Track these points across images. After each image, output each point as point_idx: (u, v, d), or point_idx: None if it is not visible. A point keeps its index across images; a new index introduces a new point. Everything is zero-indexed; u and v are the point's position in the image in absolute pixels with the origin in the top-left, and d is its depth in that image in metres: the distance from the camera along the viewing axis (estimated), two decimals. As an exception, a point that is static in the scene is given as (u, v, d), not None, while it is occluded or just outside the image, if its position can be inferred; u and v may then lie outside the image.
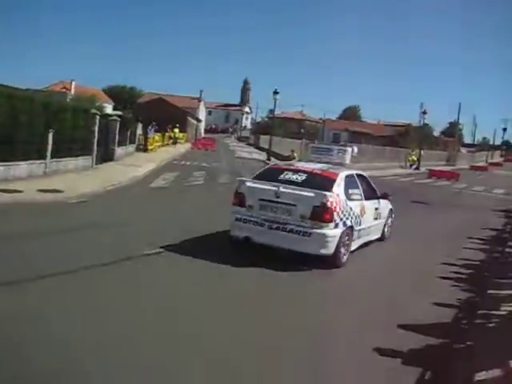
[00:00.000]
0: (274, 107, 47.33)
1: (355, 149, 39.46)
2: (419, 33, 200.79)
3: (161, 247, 9.25)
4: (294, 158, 39.08)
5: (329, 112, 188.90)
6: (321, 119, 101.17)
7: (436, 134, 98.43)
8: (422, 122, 62.93)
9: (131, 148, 32.88)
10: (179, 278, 7.82)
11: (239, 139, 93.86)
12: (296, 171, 10.29)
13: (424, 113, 57.04)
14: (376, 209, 11.55)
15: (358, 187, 10.80)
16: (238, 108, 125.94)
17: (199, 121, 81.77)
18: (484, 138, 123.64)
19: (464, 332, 6.52)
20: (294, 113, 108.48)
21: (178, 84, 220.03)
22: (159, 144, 41.77)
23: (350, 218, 9.74)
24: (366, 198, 10.93)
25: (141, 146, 35.79)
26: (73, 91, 64.55)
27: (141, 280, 7.56)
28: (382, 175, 37.63)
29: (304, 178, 9.98)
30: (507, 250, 12.11)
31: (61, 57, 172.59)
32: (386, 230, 12.55)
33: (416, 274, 9.60)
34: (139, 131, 36.85)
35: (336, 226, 9.25)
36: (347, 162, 37.56)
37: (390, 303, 7.54)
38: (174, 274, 8.06)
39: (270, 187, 9.57)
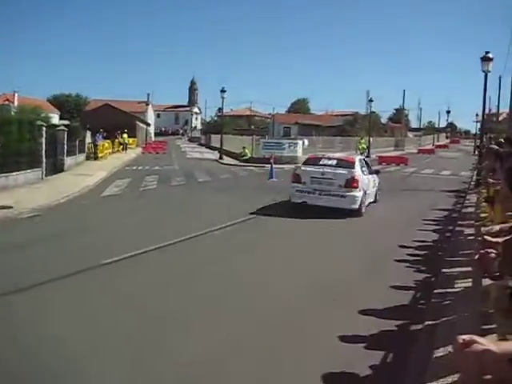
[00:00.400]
0: (222, 105, 47.35)
1: (306, 141, 39.87)
2: (361, 21, 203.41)
3: (118, 256, 9.19)
4: (245, 155, 39.24)
5: (278, 106, 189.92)
6: (270, 114, 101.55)
7: (383, 120, 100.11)
8: (369, 110, 64.00)
9: (81, 157, 32.41)
10: (143, 283, 7.82)
11: (190, 140, 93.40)
12: (328, 158, 16.28)
13: (370, 101, 58.02)
14: (374, 180, 17.03)
15: (364, 166, 16.47)
16: (186, 109, 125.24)
17: (148, 124, 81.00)
18: (430, 122, 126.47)
19: (422, 312, 6.72)
20: (243, 110, 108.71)
21: (125, 89, 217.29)
22: (109, 151, 41.27)
23: (364, 186, 15.32)
24: (369, 173, 16.56)
25: (91, 155, 35.29)
26: (16, 103, 63.06)
27: (102, 289, 7.51)
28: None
29: (335, 162, 15.84)
30: (457, 228, 12.46)
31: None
32: (377, 195, 17.63)
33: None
34: (88, 139, 36.32)
35: (359, 190, 14.93)
36: (299, 154, 37.91)
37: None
38: (143, 278, 8.06)
39: (317, 169, 15.36)
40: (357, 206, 14.73)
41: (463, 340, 1.52)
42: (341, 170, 15.13)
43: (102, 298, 7.11)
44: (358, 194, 14.86)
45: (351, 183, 14.76)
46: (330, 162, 15.75)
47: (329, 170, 15.16)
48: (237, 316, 6.55)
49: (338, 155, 17.99)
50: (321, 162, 15.77)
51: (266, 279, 8.29)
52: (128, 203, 16.81)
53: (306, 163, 16.36)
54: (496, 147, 9.25)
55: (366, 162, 17.45)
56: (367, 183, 15.73)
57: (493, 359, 1.44)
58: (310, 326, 6.26)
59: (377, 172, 17.83)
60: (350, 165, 15.58)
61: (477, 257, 3.37)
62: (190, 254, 9.88)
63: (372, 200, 16.75)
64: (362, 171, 15.67)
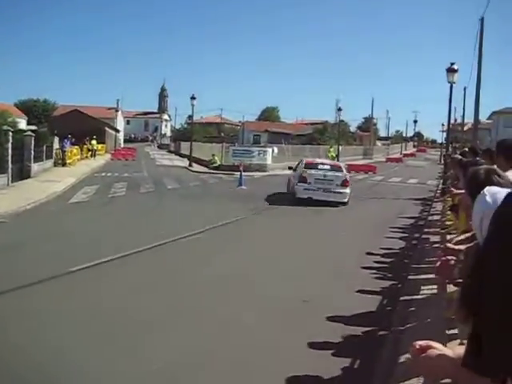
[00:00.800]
0: (193, 113, 47.25)
1: (275, 149, 40.08)
2: (332, 33, 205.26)
3: (85, 264, 9.12)
4: (215, 162, 39.23)
5: (248, 114, 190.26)
6: (240, 122, 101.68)
7: (352, 129, 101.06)
8: (338, 119, 64.60)
9: (49, 163, 31.98)
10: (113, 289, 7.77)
11: (160, 147, 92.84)
12: (323, 163, 21.84)
13: (339, 109, 58.61)
14: None
15: (346, 169, 21.90)
16: (156, 116, 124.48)
17: (118, 131, 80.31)
18: (397, 131, 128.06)
19: (389, 318, 6.83)
20: (213, 117, 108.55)
21: (94, 95, 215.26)
22: (78, 157, 40.80)
23: (349, 185, 20.17)
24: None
25: (59, 161, 34.85)
26: (-18, 108, 62.05)
27: (68, 298, 7.44)
28: (303, 173, 38.35)
29: (329, 166, 21.18)
30: (424, 236, 12.68)
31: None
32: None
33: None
34: (56, 145, 35.86)
35: (349, 188, 19.88)
36: (269, 162, 38.09)
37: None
38: (116, 284, 8.00)
39: (319, 172, 20.08)
40: (346, 200, 19.60)
41: (420, 346, 1.58)
42: (337, 173, 20.16)
43: (68, 305, 7.04)
44: (348, 190, 19.85)
45: (345, 183, 19.87)
46: (325, 167, 21.01)
47: (329, 173, 20.02)
48: (200, 328, 6.57)
49: (329, 161, 26.10)
50: (319, 167, 20.83)
51: (236, 284, 8.33)
52: (96, 210, 16.66)
53: (307, 167, 20.67)
54: (460, 157, 9.46)
55: (345, 166, 23.32)
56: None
57: (448, 364, 1.50)
58: (281, 331, 6.31)
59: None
60: (339, 169, 21.19)
61: (438, 264, 3.47)
62: (155, 262, 9.82)
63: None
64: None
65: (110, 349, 5.63)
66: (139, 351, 5.60)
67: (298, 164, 22.58)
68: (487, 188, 2.74)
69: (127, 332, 6.13)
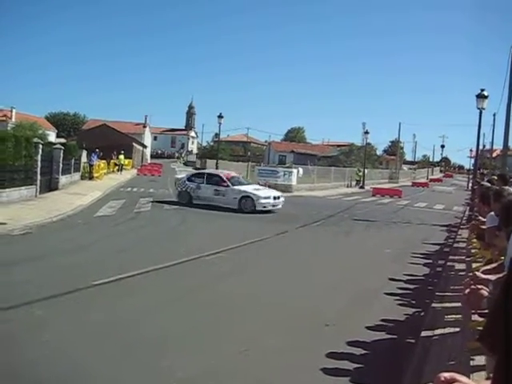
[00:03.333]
0: (219, 131, 47.72)
1: (301, 170, 40.05)
2: (360, 56, 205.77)
3: (108, 277, 9.18)
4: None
5: (274, 134, 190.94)
6: (266, 141, 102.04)
7: (379, 152, 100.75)
8: (364, 142, 64.42)
9: (76, 176, 32.42)
10: (136, 305, 7.79)
11: (186, 164, 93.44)
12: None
13: (366, 132, 58.43)
14: None
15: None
16: (183, 132, 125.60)
17: (145, 146, 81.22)
18: (424, 156, 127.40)
19: (411, 346, 6.72)
20: (239, 136, 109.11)
21: (123, 111, 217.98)
22: (105, 171, 41.26)
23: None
24: None
25: (86, 174, 35.30)
26: (14, 119, 63.23)
27: (90, 311, 7.48)
28: (328, 195, 38.24)
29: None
30: (449, 263, 12.49)
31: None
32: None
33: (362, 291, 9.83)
34: (84, 159, 36.36)
35: None
36: (294, 183, 38.08)
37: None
38: (131, 301, 8.03)
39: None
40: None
41: (444, 378, 1.54)
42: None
43: (88, 318, 7.08)
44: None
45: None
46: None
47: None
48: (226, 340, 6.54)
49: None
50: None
51: (257, 305, 8.29)
52: (121, 225, 16.78)
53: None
54: (488, 184, 9.34)
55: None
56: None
57: None
58: (298, 354, 6.25)
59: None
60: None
61: (467, 291, 3.40)
62: (176, 279, 9.84)
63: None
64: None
65: (126, 364, 5.63)
66: (155, 367, 5.58)
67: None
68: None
69: (144, 348, 6.12)
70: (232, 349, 6.32)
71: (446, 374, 1.56)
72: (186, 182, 22.94)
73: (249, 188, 23.39)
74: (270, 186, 29.48)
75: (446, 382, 1.54)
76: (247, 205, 22.25)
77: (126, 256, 11.54)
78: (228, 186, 22.77)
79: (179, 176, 23.49)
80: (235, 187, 22.84)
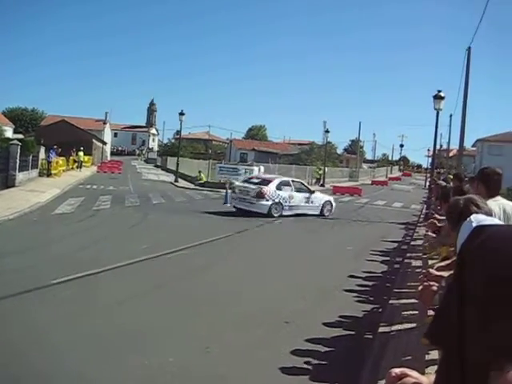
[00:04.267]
0: (181, 128, 47.34)
1: (262, 168, 40.07)
2: (321, 54, 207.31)
3: (68, 276, 9.07)
4: (201, 179, 39.23)
5: (235, 132, 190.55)
6: (227, 139, 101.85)
7: (339, 151, 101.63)
8: (325, 140, 64.94)
9: (34, 173, 31.80)
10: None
11: (146, 161, 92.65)
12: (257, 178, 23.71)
13: (327, 131, 58.93)
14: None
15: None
16: (144, 130, 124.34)
17: (105, 143, 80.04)
18: (384, 154, 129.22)
19: (369, 342, 6.85)
20: (201, 133, 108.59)
21: (83, 107, 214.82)
22: (64, 168, 40.62)
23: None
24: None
25: (44, 171, 34.66)
26: (-32, 115, 61.68)
27: (48, 310, 7.39)
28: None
29: (259, 180, 22.92)
30: (406, 260, 12.73)
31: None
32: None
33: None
34: (42, 155, 35.69)
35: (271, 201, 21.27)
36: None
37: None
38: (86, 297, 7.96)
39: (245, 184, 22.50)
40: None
41: (395, 374, 1.60)
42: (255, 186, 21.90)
43: (47, 318, 7.00)
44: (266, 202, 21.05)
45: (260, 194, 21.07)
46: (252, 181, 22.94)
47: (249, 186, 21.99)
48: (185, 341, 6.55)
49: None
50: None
51: (218, 302, 8.32)
52: (80, 222, 16.55)
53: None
54: (443, 183, 9.57)
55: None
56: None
57: None
58: (258, 351, 6.31)
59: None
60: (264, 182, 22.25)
61: (420, 289, 3.51)
62: (137, 277, 9.77)
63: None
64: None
65: (81, 363, 5.58)
66: (113, 366, 5.56)
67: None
68: (474, 215, 2.80)
69: (101, 347, 6.08)
70: (193, 346, 6.34)
71: (397, 370, 1.62)
72: (278, 192, 21.64)
73: (325, 194, 25.56)
74: (231, 184, 29.49)
75: (397, 378, 1.60)
76: (328, 210, 23.39)
77: (85, 254, 11.40)
78: (312, 192, 23.51)
79: (237, 182, 23.90)
80: (317, 194, 23.83)
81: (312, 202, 22.80)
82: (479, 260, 1.15)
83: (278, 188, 21.72)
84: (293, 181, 23.92)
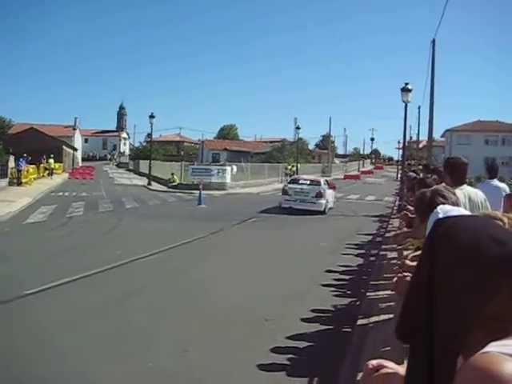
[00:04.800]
0: (151, 131, 47.14)
1: (234, 168, 40.14)
2: (284, 46, 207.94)
3: (41, 286, 8.94)
4: (174, 181, 39.08)
5: (207, 133, 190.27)
6: (199, 140, 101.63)
7: (311, 147, 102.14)
8: (296, 137, 65.22)
9: (3, 183, 31.29)
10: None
11: (118, 165, 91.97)
12: (304, 179, 25.57)
13: (298, 128, 59.14)
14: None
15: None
16: (115, 134, 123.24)
17: (75, 149, 79.11)
18: (355, 149, 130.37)
19: (348, 335, 6.90)
20: (172, 136, 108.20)
21: (51, 113, 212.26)
22: (34, 176, 40.06)
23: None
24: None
25: (14, 180, 34.12)
26: None
27: (22, 321, 7.29)
28: (263, 191, 38.50)
29: (309, 182, 24.65)
30: (381, 252, 12.85)
31: None
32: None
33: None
34: (12, 164, 35.15)
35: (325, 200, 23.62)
36: (228, 181, 38.12)
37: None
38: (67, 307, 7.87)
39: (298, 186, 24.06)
40: (322, 209, 23.17)
41: (372, 365, 1.62)
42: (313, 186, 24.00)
43: (21, 329, 6.90)
44: (323, 202, 23.33)
45: (319, 195, 23.26)
46: (305, 182, 24.71)
47: (305, 187, 23.91)
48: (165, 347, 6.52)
49: (311, 176, 29.90)
50: (300, 181, 25.15)
51: (196, 304, 8.30)
52: (53, 231, 16.34)
53: (290, 182, 26.03)
54: (413, 174, 9.68)
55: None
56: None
57: (399, 382, 1.54)
58: (238, 351, 6.31)
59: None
60: (317, 183, 24.81)
61: (395, 280, 3.55)
62: (112, 284, 9.65)
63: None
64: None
65: (59, 372, 5.52)
66: (90, 375, 5.50)
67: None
68: (440, 206, 2.83)
69: (78, 355, 6.01)
70: (172, 350, 6.31)
71: (374, 362, 1.64)
72: (327, 191, 24.24)
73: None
74: (204, 185, 29.44)
75: (374, 369, 1.62)
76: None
77: (59, 263, 11.26)
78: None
79: (290, 185, 24.99)
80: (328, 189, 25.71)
81: (331, 197, 25.37)
82: (442, 247, 1.22)
83: (326, 187, 24.49)
84: (326, 180, 27.87)
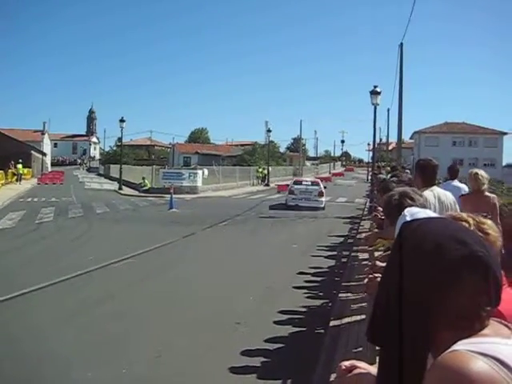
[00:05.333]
0: (122, 135, 46.80)
1: (205, 171, 40.07)
2: (255, 48, 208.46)
3: (11, 293, 8.81)
4: (145, 185, 38.83)
5: (178, 136, 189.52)
6: (170, 144, 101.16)
7: (282, 150, 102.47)
8: (267, 140, 65.38)
9: (-30, 189, 30.84)
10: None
11: (89, 170, 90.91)
12: (305, 181, 31.05)
13: (269, 131, 59.38)
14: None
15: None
16: (85, 138, 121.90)
17: (44, 154, 78.04)
18: (326, 151, 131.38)
19: (321, 337, 6.95)
20: (143, 139, 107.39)
21: (19, 118, 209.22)
22: (2, 182, 39.50)
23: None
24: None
25: (-19, 187, 33.61)
26: None
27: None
28: (235, 194, 38.51)
29: (310, 183, 29.54)
30: (353, 254, 12.97)
31: None
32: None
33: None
34: (-22, 171, 34.61)
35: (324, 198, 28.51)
36: (199, 184, 38.03)
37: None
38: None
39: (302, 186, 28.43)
40: (322, 206, 27.25)
41: (345, 366, 1.65)
42: (314, 186, 28.53)
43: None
44: (323, 199, 27.86)
45: (321, 194, 27.79)
46: (306, 183, 29.68)
47: (309, 187, 28.37)
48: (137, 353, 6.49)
49: (309, 178, 37.59)
50: (302, 182, 29.81)
51: (167, 308, 8.28)
52: (22, 237, 16.10)
53: (295, 183, 29.54)
54: (383, 176, 9.82)
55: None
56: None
57: (371, 382, 1.58)
58: (210, 354, 6.32)
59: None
60: (317, 183, 29.72)
61: (365, 281, 3.61)
62: (84, 290, 9.54)
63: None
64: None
65: (33, 381, 5.47)
66: (63, 382, 5.46)
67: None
68: (407, 209, 2.89)
69: (51, 362, 5.96)
70: (144, 355, 6.29)
71: (347, 363, 1.68)
72: (324, 191, 29.16)
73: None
74: (175, 189, 29.33)
75: (347, 370, 1.65)
76: None
77: (29, 269, 11.11)
78: None
79: (296, 186, 29.16)
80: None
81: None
82: (409, 249, 1.29)
83: (323, 187, 29.61)
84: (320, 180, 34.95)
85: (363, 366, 1.65)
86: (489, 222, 2.03)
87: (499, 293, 1.27)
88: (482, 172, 6.72)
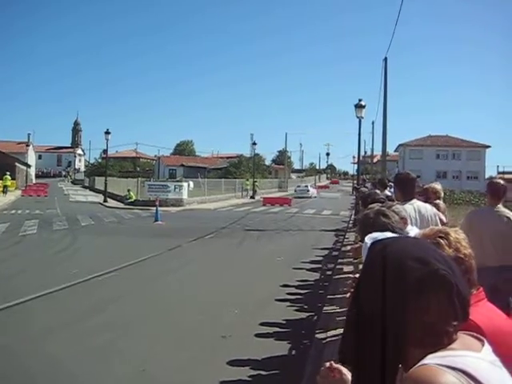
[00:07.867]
0: (107, 147, 46.72)
1: (191, 184, 40.08)
2: (240, 60, 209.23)
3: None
4: (130, 198, 38.72)
5: (163, 149, 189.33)
6: (155, 156, 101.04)
7: (268, 162, 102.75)
8: (252, 153, 65.59)
9: (-47, 202, 30.56)
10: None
11: (74, 182, 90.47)
12: (304, 186, 64.12)
13: (254, 143, 59.60)
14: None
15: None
16: (70, 150, 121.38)
17: (29, 166, 77.55)
18: (311, 164, 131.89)
19: (306, 349, 6.97)
20: (128, 152, 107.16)
21: (3, 129, 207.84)
22: (-15, 194, 39.20)
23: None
24: None
25: (-36, 199, 33.32)
26: None
27: None
28: (220, 207, 38.50)
29: (305, 186, 64.04)
30: (338, 266, 13.01)
31: None
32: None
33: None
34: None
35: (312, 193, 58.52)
36: (185, 196, 38.00)
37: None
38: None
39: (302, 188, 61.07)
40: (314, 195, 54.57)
41: (330, 364, 1.72)
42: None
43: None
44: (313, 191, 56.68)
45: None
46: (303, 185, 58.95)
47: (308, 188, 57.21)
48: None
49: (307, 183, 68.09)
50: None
51: (152, 322, 8.25)
52: (5, 250, 15.96)
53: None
54: (366, 189, 9.89)
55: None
56: None
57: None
58: (196, 368, 6.31)
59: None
60: (309, 186, 59.91)
61: (348, 295, 3.65)
62: (67, 304, 9.46)
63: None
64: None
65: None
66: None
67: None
68: (368, 236, 2.95)
69: (34, 378, 5.93)
70: (129, 370, 6.27)
71: (333, 364, 1.74)
72: (312, 189, 54.85)
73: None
74: (161, 202, 29.29)
75: (331, 370, 1.72)
76: None
77: (13, 283, 11.03)
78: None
79: (298, 188, 55.55)
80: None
81: (314, 191, 56.45)
82: (374, 271, 1.36)
83: (312, 188, 56.55)
84: (312, 184, 62.52)
85: (345, 372, 1.71)
86: (461, 235, 2.11)
87: (466, 308, 1.32)
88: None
